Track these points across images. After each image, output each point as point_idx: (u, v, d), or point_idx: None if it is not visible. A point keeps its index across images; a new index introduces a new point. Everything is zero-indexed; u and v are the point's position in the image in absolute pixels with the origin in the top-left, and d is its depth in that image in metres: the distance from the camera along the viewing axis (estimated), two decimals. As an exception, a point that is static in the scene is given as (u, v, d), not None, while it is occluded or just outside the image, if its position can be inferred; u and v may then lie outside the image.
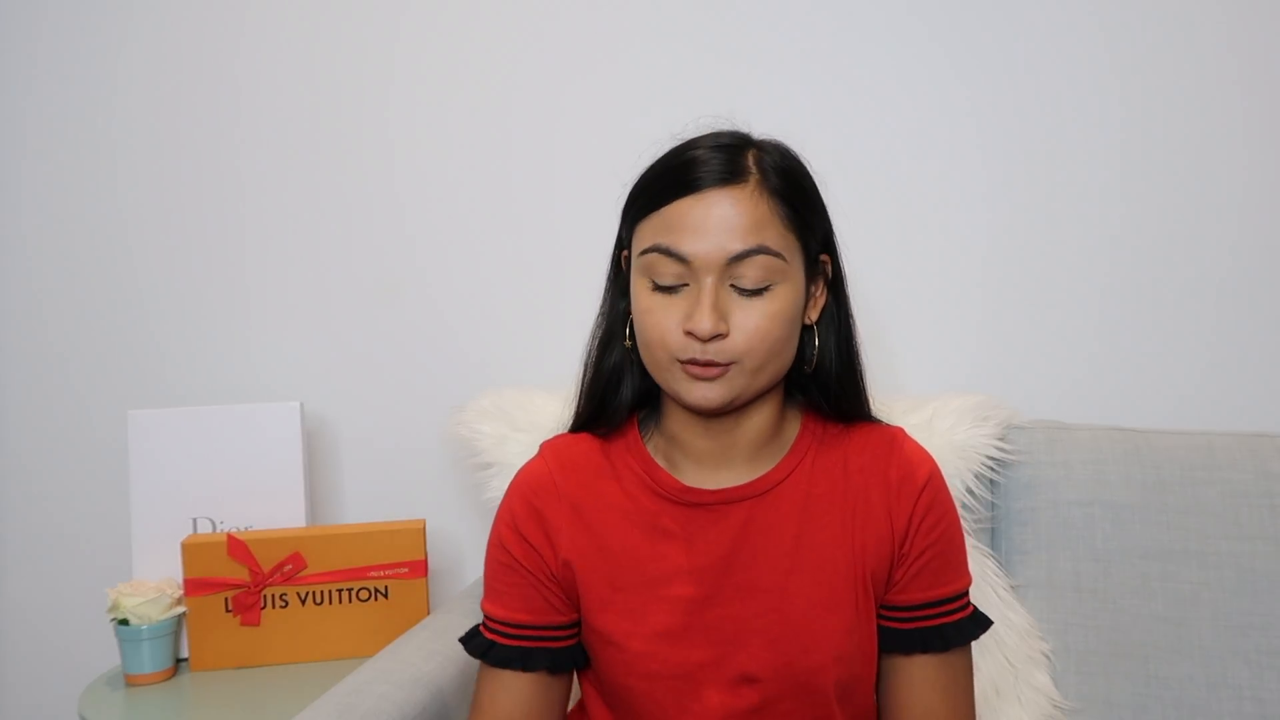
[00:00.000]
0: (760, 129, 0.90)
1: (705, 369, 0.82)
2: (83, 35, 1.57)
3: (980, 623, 0.91)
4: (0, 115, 1.58)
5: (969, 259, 1.49)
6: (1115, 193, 1.46)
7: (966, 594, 0.92)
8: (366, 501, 1.60)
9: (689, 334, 0.81)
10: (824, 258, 0.89)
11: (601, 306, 0.95)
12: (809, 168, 0.89)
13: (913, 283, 1.50)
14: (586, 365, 0.95)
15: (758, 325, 0.81)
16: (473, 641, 0.93)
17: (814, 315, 0.89)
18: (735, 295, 0.82)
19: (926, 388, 1.44)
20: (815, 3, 1.49)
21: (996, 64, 1.47)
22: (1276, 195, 1.43)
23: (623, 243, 0.91)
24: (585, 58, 1.53)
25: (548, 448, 0.96)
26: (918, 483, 0.89)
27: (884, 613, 0.90)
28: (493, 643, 0.91)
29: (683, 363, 0.83)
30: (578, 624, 0.93)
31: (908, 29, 1.48)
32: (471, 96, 1.55)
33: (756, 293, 0.82)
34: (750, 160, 0.84)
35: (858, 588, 0.87)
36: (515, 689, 0.90)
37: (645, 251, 0.84)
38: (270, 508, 1.43)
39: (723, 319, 0.81)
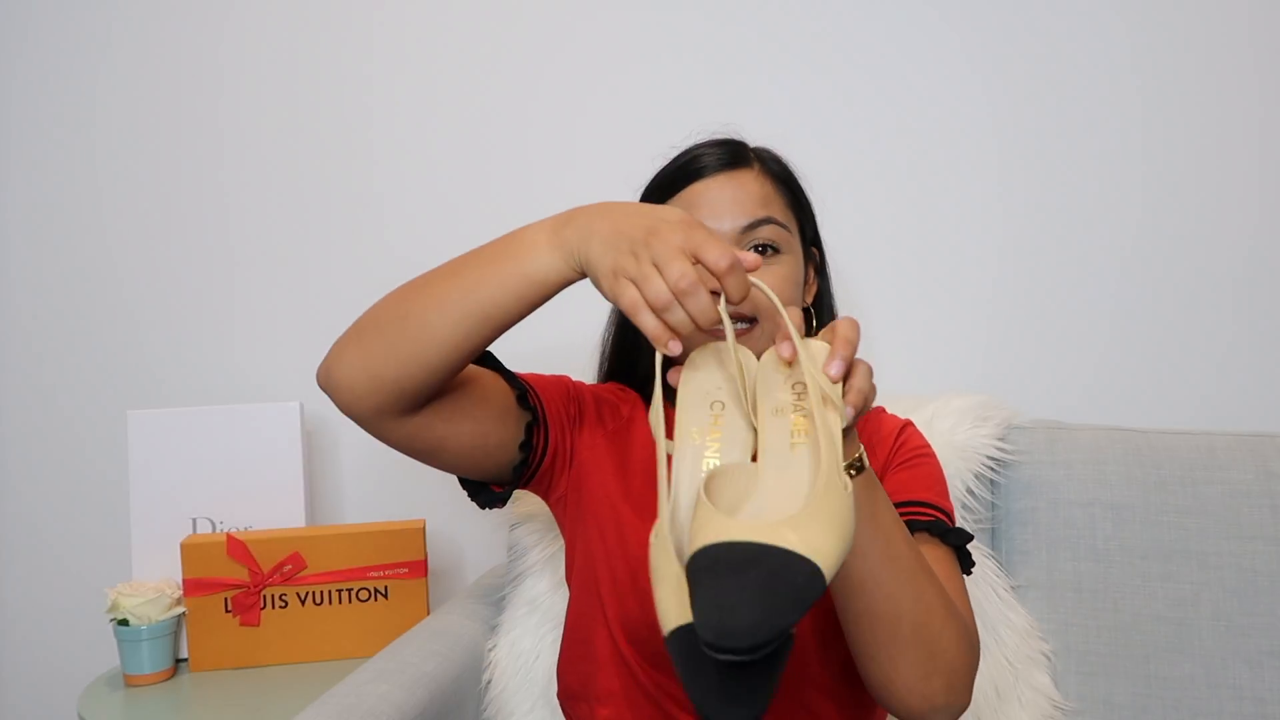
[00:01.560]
0: (766, 128, 0.97)
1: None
2: (74, 36, 1.57)
3: (959, 530, 0.87)
4: None
5: (970, 259, 1.49)
6: (1116, 193, 1.46)
7: (939, 509, 0.89)
8: (366, 501, 1.60)
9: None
10: (814, 250, 1.00)
11: (611, 315, 1.07)
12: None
13: (913, 283, 1.50)
14: (603, 357, 1.08)
15: (772, 282, 0.87)
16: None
17: (809, 299, 0.99)
18: None
19: (926, 388, 1.44)
20: (818, 6, 1.49)
21: (1000, 65, 1.46)
22: (1277, 195, 1.43)
23: None
24: (596, 68, 1.52)
25: (616, 385, 1.07)
26: (895, 428, 0.97)
27: None
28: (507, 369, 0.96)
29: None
30: (547, 443, 0.95)
31: (913, 30, 1.48)
32: (472, 96, 1.55)
33: (768, 255, 0.90)
34: (750, 153, 0.95)
35: None
36: (489, 374, 0.93)
37: None
38: (270, 508, 1.43)
39: None
